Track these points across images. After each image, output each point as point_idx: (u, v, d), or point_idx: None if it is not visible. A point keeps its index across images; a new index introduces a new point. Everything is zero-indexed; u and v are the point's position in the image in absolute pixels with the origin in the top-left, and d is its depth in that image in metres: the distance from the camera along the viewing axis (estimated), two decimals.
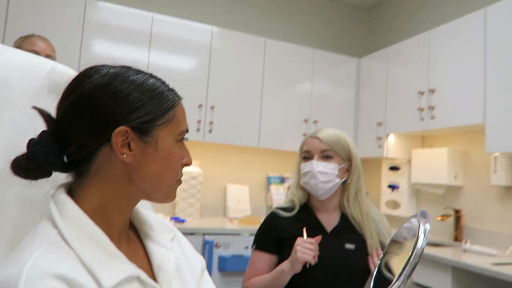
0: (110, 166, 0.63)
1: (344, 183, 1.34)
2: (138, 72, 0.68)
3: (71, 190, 0.64)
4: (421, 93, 2.72)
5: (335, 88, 3.38)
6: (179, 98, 0.69)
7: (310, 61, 3.29)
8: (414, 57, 2.85)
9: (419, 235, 0.81)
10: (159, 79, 0.69)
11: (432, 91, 2.65)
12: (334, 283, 1.23)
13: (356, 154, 1.36)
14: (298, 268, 1.17)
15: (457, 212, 2.69)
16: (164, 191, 0.67)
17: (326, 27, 3.73)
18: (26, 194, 0.69)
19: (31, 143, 0.61)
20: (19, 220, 0.67)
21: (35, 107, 0.64)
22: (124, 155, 0.62)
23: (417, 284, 2.17)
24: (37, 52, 1.74)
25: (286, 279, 1.21)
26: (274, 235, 1.32)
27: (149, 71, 2.28)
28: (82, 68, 0.66)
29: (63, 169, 0.64)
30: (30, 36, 1.81)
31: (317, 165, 1.30)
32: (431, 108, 2.64)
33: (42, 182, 0.68)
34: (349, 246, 1.28)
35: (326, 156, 1.31)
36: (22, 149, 0.68)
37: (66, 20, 2.58)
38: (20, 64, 0.75)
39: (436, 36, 2.68)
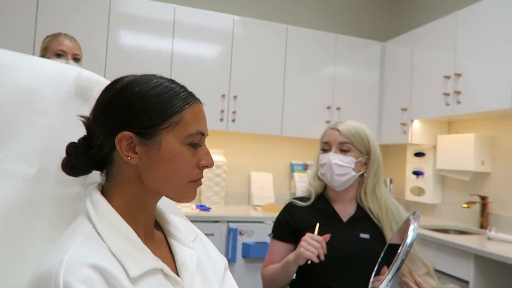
0: (125, 166, 0.69)
1: (361, 176, 1.36)
2: (155, 78, 0.72)
3: (103, 189, 0.72)
4: (447, 77, 2.66)
5: (359, 74, 3.34)
6: (192, 101, 0.71)
7: (333, 47, 3.26)
8: (440, 40, 2.78)
9: (408, 233, 0.86)
10: (174, 83, 0.73)
11: (458, 75, 2.58)
12: (349, 272, 1.26)
13: (376, 147, 1.36)
14: (300, 263, 1.19)
15: (483, 199, 2.64)
16: (175, 191, 0.71)
17: (349, 11, 3.66)
18: (59, 193, 0.76)
19: (69, 145, 0.70)
20: (53, 218, 0.74)
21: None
22: (129, 158, 0.68)
23: (440, 272, 2.17)
24: (64, 52, 1.80)
25: (292, 269, 1.24)
26: (291, 225, 1.36)
27: (173, 61, 2.38)
28: (101, 80, 0.73)
29: (93, 167, 0.72)
30: (57, 36, 1.84)
31: (334, 158, 1.32)
32: (457, 93, 2.58)
33: (74, 183, 0.75)
34: (364, 235, 1.31)
35: (343, 149, 1.33)
36: (54, 152, 0.76)
37: (93, 13, 2.68)
38: (49, 72, 0.81)
39: (463, 18, 2.60)
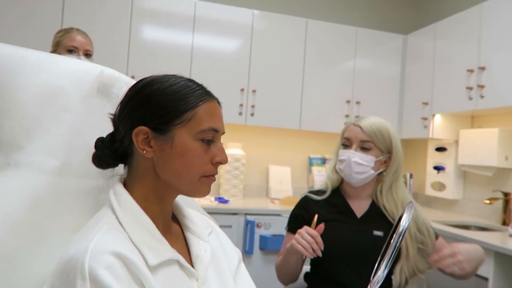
0: (143, 160, 0.73)
1: (380, 173, 1.35)
2: (173, 77, 0.76)
3: (125, 182, 0.76)
4: (470, 71, 2.59)
5: (379, 68, 3.30)
6: (206, 98, 0.74)
7: (353, 40, 3.23)
8: (464, 32, 2.71)
9: (401, 222, 0.91)
10: (191, 81, 0.76)
11: (482, 69, 2.52)
12: (360, 268, 1.26)
13: (398, 147, 1.34)
14: (294, 253, 1.19)
15: (506, 195, 2.58)
16: (188, 186, 0.74)
17: (370, 4, 3.61)
18: (81, 185, 0.80)
19: (97, 140, 0.76)
20: (76, 208, 0.79)
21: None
22: (144, 151, 0.72)
23: None
24: (76, 48, 1.78)
25: (291, 258, 1.25)
26: (305, 218, 1.37)
27: (193, 55, 2.48)
28: (122, 77, 0.78)
29: (118, 160, 0.77)
30: (69, 31, 1.82)
31: (354, 155, 1.31)
32: (481, 87, 2.52)
33: (96, 175, 0.80)
34: (378, 233, 1.30)
35: (364, 147, 1.32)
36: (76, 147, 0.80)
37: (116, 9, 2.74)
38: (72, 70, 0.85)
39: (488, 10, 2.52)
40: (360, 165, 1.30)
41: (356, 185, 1.35)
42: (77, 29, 1.85)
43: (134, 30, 2.77)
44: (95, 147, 0.76)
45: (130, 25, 2.76)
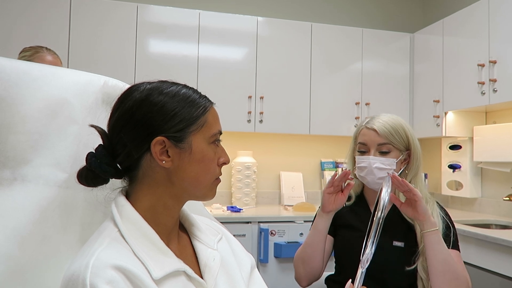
0: (153, 171, 0.71)
1: (401, 172, 1.29)
2: (172, 84, 0.75)
3: (127, 194, 0.74)
4: (481, 65, 2.54)
5: (387, 68, 3.26)
6: (210, 103, 0.76)
7: (359, 42, 3.20)
8: (472, 27, 2.66)
9: (381, 196, 0.94)
10: (191, 88, 0.76)
11: (493, 62, 2.46)
12: (382, 281, 1.20)
13: (415, 141, 1.29)
14: (323, 205, 1.25)
15: None
16: (204, 190, 0.74)
17: (374, 4, 3.58)
18: (90, 197, 0.79)
19: (89, 156, 0.71)
20: (85, 220, 0.77)
21: (92, 125, 0.74)
22: (163, 162, 0.70)
23: (482, 269, 2.08)
24: None
25: (321, 223, 1.27)
26: (333, 217, 1.33)
27: (199, 65, 2.49)
28: (126, 87, 0.75)
29: (116, 176, 0.74)
30: (39, 50, 1.70)
31: (375, 161, 1.25)
32: (493, 81, 2.46)
33: (103, 186, 0.78)
34: (397, 243, 1.23)
35: (383, 151, 1.27)
36: (83, 158, 0.79)
37: (121, 23, 2.76)
38: (76, 82, 0.85)
39: (496, 2, 2.48)
40: (383, 170, 1.25)
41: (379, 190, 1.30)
42: (47, 48, 1.74)
43: (140, 43, 2.79)
44: (90, 164, 0.70)
45: (136, 38, 2.78)
